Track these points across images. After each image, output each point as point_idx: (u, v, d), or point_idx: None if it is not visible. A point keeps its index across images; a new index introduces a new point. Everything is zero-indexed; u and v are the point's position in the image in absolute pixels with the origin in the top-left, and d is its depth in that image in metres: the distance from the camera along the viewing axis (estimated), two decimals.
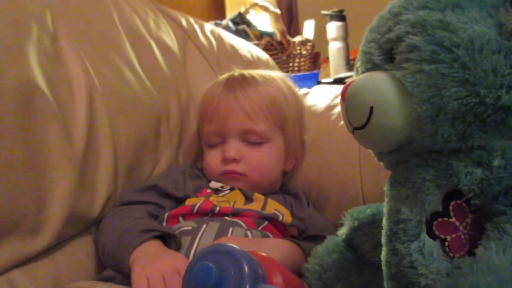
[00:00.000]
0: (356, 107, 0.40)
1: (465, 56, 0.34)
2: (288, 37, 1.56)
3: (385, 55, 0.40)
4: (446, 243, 0.39)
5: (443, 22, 0.35)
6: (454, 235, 0.38)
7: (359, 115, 0.39)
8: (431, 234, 0.39)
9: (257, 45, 1.29)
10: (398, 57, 0.38)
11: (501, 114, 0.34)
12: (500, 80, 0.34)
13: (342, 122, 0.79)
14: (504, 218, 0.35)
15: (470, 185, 0.36)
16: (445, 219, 0.39)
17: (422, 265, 0.37)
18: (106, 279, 0.56)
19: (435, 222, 0.39)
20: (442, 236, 0.39)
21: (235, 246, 0.41)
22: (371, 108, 0.38)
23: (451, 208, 0.38)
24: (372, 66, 0.41)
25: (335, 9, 1.47)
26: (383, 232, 0.42)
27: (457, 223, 0.38)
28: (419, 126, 0.37)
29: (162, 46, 0.86)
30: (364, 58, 0.43)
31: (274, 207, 0.70)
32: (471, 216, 0.38)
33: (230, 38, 1.07)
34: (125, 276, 0.54)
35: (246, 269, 0.38)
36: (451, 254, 0.38)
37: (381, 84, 0.38)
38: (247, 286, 0.38)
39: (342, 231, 0.55)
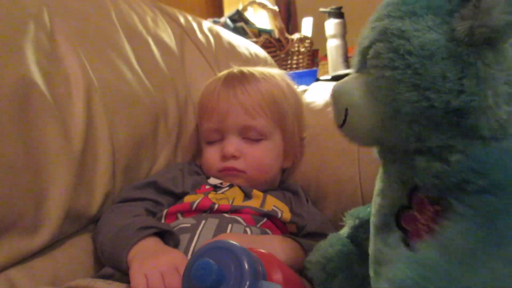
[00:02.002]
0: (336, 107, 0.44)
1: (416, 63, 0.36)
2: (286, 35, 1.56)
3: (362, 60, 0.42)
4: (408, 234, 0.41)
5: (399, 30, 0.37)
6: (414, 226, 0.40)
7: (338, 115, 0.43)
8: (399, 226, 0.43)
9: (255, 42, 1.29)
10: (368, 63, 0.41)
11: (453, 118, 0.36)
12: (449, 85, 0.35)
13: None
14: (447, 214, 0.37)
15: (424, 178, 0.39)
16: (409, 211, 0.42)
17: (386, 253, 0.42)
18: (105, 277, 0.55)
19: (402, 215, 0.43)
20: (406, 227, 0.42)
21: (235, 242, 0.41)
22: (346, 110, 0.42)
23: (414, 201, 0.41)
24: (355, 69, 0.44)
25: (334, 6, 1.46)
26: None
27: (418, 216, 0.41)
28: (383, 127, 0.40)
29: (160, 43, 0.86)
30: (352, 61, 0.46)
31: (273, 204, 0.70)
32: (430, 208, 0.40)
33: (228, 36, 1.07)
34: (123, 273, 0.54)
35: (246, 266, 0.38)
36: (411, 244, 0.41)
37: (354, 88, 0.42)
38: (247, 283, 0.37)
39: (344, 230, 0.56)
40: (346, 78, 0.44)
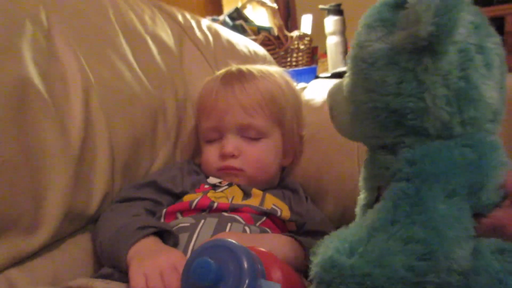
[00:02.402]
0: (327, 105, 0.51)
1: (365, 69, 0.41)
2: (286, 32, 1.55)
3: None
4: None
5: (359, 40, 0.42)
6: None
7: (329, 112, 0.50)
8: None
9: (255, 40, 1.28)
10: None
11: (395, 117, 0.40)
12: (388, 88, 0.39)
13: None
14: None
15: (379, 170, 0.43)
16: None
17: None
18: (104, 277, 0.55)
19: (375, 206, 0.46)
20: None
21: (234, 241, 0.40)
22: (332, 108, 0.49)
23: (380, 192, 0.45)
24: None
25: (333, 3, 1.46)
26: None
27: None
28: (353, 124, 0.45)
29: (158, 42, 0.86)
30: None
31: (273, 202, 0.70)
32: None
33: (227, 34, 1.07)
34: (123, 273, 0.54)
35: (245, 264, 0.38)
36: None
37: (337, 90, 0.48)
38: (246, 282, 0.37)
39: None
40: (338, 81, 0.50)
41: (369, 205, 0.48)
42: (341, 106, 0.47)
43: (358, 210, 0.51)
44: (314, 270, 0.38)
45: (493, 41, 0.41)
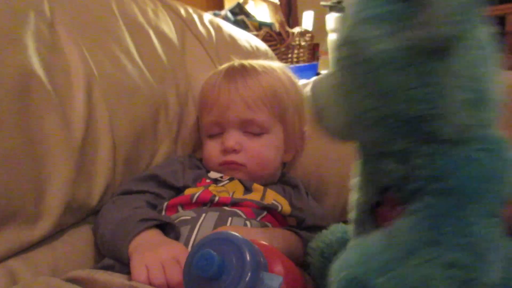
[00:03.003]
0: (313, 106, 0.44)
1: (374, 71, 0.35)
2: (287, 28, 1.55)
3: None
4: None
5: (359, 37, 0.36)
6: (386, 223, 0.40)
7: (315, 113, 0.44)
8: (374, 221, 0.44)
9: (256, 35, 1.28)
10: (336, 64, 0.40)
11: (410, 124, 0.36)
12: (399, 95, 0.35)
13: None
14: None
15: (390, 180, 0.40)
16: (383, 207, 0.43)
17: None
18: (105, 268, 0.55)
19: (377, 210, 0.44)
20: (379, 223, 0.43)
21: (237, 234, 0.40)
22: (320, 111, 0.43)
23: (386, 199, 0.42)
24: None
25: (335, 0, 1.46)
26: None
27: (389, 212, 0.41)
28: (350, 130, 0.40)
29: (161, 35, 0.85)
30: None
31: (273, 197, 0.70)
32: (401, 207, 0.40)
33: (229, 28, 1.06)
34: (124, 265, 0.54)
35: (248, 257, 0.38)
36: None
37: (327, 90, 0.42)
38: (249, 274, 0.37)
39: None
40: (320, 77, 0.44)
41: (365, 209, 0.45)
42: (333, 109, 0.41)
43: (354, 214, 0.47)
44: (335, 284, 0.35)
45: (493, 37, 0.38)
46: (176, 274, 0.48)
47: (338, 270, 0.36)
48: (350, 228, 0.55)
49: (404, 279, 0.33)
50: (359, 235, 0.45)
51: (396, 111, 0.36)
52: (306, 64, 1.55)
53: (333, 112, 0.41)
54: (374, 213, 0.44)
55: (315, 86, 0.44)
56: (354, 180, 0.46)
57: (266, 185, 0.73)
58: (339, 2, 1.46)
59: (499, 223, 0.35)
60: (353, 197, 0.47)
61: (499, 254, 0.34)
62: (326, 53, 1.61)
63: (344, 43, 0.38)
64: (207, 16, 1.04)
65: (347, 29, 0.38)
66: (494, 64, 0.37)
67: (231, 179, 0.72)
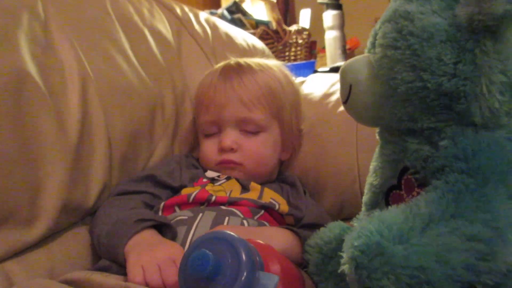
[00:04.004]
0: (342, 84, 0.46)
1: (416, 44, 0.37)
2: (284, 26, 1.55)
3: (373, 41, 0.44)
4: None
5: (406, 12, 0.38)
6: (401, 204, 0.41)
7: (343, 91, 0.46)
8: (387, 204, 0.44)
9: (253, 34, 1.27)
10: (376, 42, 0.42)
11: (445, 100, 0.37)
12: (444, 68, 0.36)
13: (338, 110, 0.79)
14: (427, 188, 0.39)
15: (413, 160, 0.41)
16: (398, 191, 0.44)
17: None
18: (102, 269, 0.55)
19: (391, 194, 0.44)
20: (393, 206, 0.43)
21: (232, 233, 0.40)
22: (350, 86, 0.44)
23: (403, 181, 0.43)
24: (366, 49, 0.46)
25: None
26: None
27: (405, 195, 0.43)
28: (381, 105, 0.42)
29: (156, 34, 0.85)
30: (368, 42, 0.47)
31: (271, 196, 0.70)
32: (417, 190, 0.41)
33: (226, 27, 1.06)
34: (120, 266, 0.54)
35: (244, 256, 0.38)
36: None
37: (360, 66, 0.44)
38: (245, 274, 0.37)
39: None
40: (355, 57, 0.46)
41: (380, 191, 0.45)
42: (363, 84, 0.43)
43: (367, 197, 0.48)
44: (352, 252, 0.34)
45: None
46: (172, 275, 0.48)
47: (354, 238, 0.35)
48: (349, 224, 0.56)
49: (424, 248, 0.33)
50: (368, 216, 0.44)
51: (438, 85, 0.36)
52: (304, 62, 1.55)
53: (364, 89, 0.43)
54: (388, 197, 0.45)
55: (347, 64, 0.46)
56: (372, 164, 0.47)
57: (263, 183, 0.73)
58: (336, 0, 1.45)
59: None
60: (368, 180, 0.48)
61: None
62: (323, 50, 1.61)
63: (391, 18, 0.39)
64: (203, 14, 1.04)
65: (395, 4, 0.39)
66: None
67: (228, 178, 0.71)
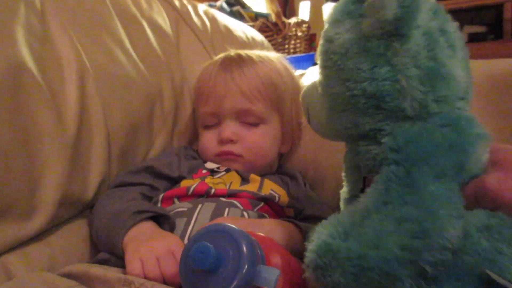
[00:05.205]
0: (303, 108, 0.52)
1: (338, 60, 0.42)
2: (284, 19, 1.54)
3: None
4: None
5: (327, 35, 0.44)
6: None
7: (305, 115, 0.51)
8: None
9: (252, 26, 1.27)
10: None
11: (373, 101, 0.41)
12: (363, 75, 0.41)
13: None
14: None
15: (365, 161, 0.44)
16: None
17: None
18: (101, 262, 0.55)
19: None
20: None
21: (233, 226, 0.40)
22: (308, 108, 0.50)
23: (366, 182, 0.47)
24: None
25: None
26: None
27: None
28: (331, 119, 0.46)
29: (155, 26, 0.84)
30: None
31: (271, 188, 0.70)
32: None
33: (224, 19, 1.05)
34: (119, 258, 0.54)
35: (245, 249, 0.38)
36: None
37: (311, 90, 0.49)
38: (246, 267, 0.37)
39: None
40: (310, 83, 0.51)
41: (352, 198, 0.48)
42: (316, 104, 0.48)
43: (341, 204, 0.51)
44: (309, 256, 0.38)
45: (452, 26, 0.43)
46: (170, 267, 0.48)
47: (310, 243, 0.38)
48: None
49: (361, 237, 0.36)
50: None
51: (362, 90, 0.41)
52: (303, 54, 1.54)
53: (317, 109, 0.48)
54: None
55: (304, 90, 0.51)
56: (342, 174, 0.51)
57: (263, 175, 0.72)
58: None
59: (454, 188, 0.38)
60: (341, 192, 0.52)
61: (455, 212, 0.36)
62: None
63: (321, 41, 0.46)
64: (202, 7, 1.03)
65: (322, 32, 0.46)
66: (453, 48, 0.42)
67: (228, 170, 0.71)
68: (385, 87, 0.40)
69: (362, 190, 0.47)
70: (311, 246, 0.38)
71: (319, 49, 0.46)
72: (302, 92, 0.52)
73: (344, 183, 0.51)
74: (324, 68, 0.45)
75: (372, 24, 0.40)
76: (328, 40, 0.44)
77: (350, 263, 0.35)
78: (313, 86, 0.49)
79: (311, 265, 0.37)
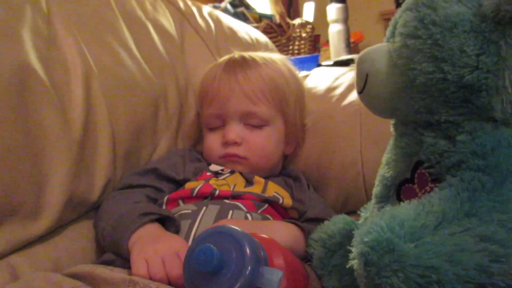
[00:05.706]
0: (358, 73, 0.44)
1: (438, 34, 0.36)
2: (288, 20, 1.54)
3: (392, 30, 0.43)
4: None
5: (429, 0, 0.37)
6: (413, 200, 0.40)
7: (359, 81, 0.44)
8: (398, 198, 0.43)
9: (256, 28, 1.27)
10: (396, 31, 0.41)
11: (465, 93, 0.36)
12: (466, 60, 0.35)
13: (342, 104, 0.79)
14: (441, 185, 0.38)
15: (429, 154, 0.39)
16: (410, 185, 0.42)
17: None
18: (106, 263, 0.55)
19: (403, 187, 0.43)
20: (404, 200, 0.42)
21: (236, 228, 0.40)
22: (367, 75, 0.42)
23: (416, 175, 0.42)
24: (385, 39, 0.45)
25: None
26: None
27: (417, 190, 0.41)
28: (398, 96, 0.40)
29: (159, 28, 0.85)
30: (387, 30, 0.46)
31: (275, 190, 0.70)
32: (431, 185, 0.40)
33: (229, 21, 1.05)
34: (124, 259, 0.54)
35: (248, 251, 0.38)
36: None
37: (377, 55, 0.42)
38: (249, 268, 0.37)
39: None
40: (373, 46, 0.44)
41: (392, 184, 0.44)
42: (380, 74, 0.41)
43: (377, 190, 0.46)
44: (361, 248, 0.33)
45: None
46: (176, 268, 0.48)
47: (364, 233, 0.34)
48: (353, 218, 0.55)
49: (436, 247, 0.32)
50: (381, 209, 0.43)
51: (459, 77, 0.35)
52: (308, 55, 1.54)
53: (382, 79, 0.41)
54: (400, 190, 0.44)
55: (365, 53, 0.44)
56: (385, 156, 0.46)
57: (267, 177, 0.73)
58: None
59: None
60: (380, 172, 0.46)
61: None
62: (327, 44, 1.60)
63: (413, 6, 0.38)
64: (206, 8, 1.03)
65: None
66: None
67: (232, 172, 0.71)
68: (487, 80, 0.34)
69: (409, 181, 0.42)
70: (365, 236, 0.34)
71: (404, 14, 0.38)
72: (361, 54, 0.44)
73: (387, 166, 0.45)
74: (412, 37, 0.38)
75: (499, 4, 0.33)
76: (428, 6, 0.37)
77: (418, 272, 0.32)
78: (380, 51, 0.42)
79: (362, 258, 0.33)
